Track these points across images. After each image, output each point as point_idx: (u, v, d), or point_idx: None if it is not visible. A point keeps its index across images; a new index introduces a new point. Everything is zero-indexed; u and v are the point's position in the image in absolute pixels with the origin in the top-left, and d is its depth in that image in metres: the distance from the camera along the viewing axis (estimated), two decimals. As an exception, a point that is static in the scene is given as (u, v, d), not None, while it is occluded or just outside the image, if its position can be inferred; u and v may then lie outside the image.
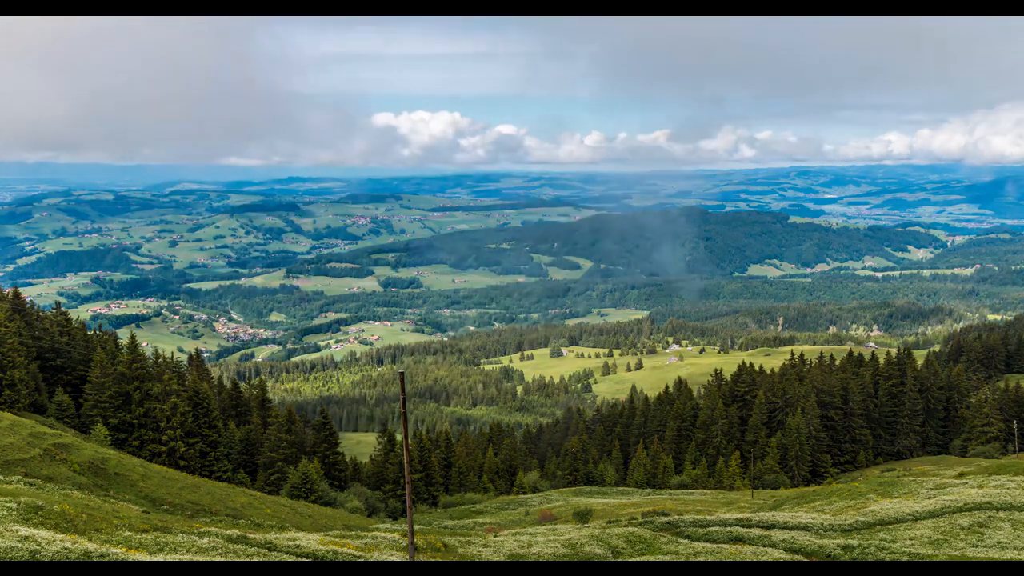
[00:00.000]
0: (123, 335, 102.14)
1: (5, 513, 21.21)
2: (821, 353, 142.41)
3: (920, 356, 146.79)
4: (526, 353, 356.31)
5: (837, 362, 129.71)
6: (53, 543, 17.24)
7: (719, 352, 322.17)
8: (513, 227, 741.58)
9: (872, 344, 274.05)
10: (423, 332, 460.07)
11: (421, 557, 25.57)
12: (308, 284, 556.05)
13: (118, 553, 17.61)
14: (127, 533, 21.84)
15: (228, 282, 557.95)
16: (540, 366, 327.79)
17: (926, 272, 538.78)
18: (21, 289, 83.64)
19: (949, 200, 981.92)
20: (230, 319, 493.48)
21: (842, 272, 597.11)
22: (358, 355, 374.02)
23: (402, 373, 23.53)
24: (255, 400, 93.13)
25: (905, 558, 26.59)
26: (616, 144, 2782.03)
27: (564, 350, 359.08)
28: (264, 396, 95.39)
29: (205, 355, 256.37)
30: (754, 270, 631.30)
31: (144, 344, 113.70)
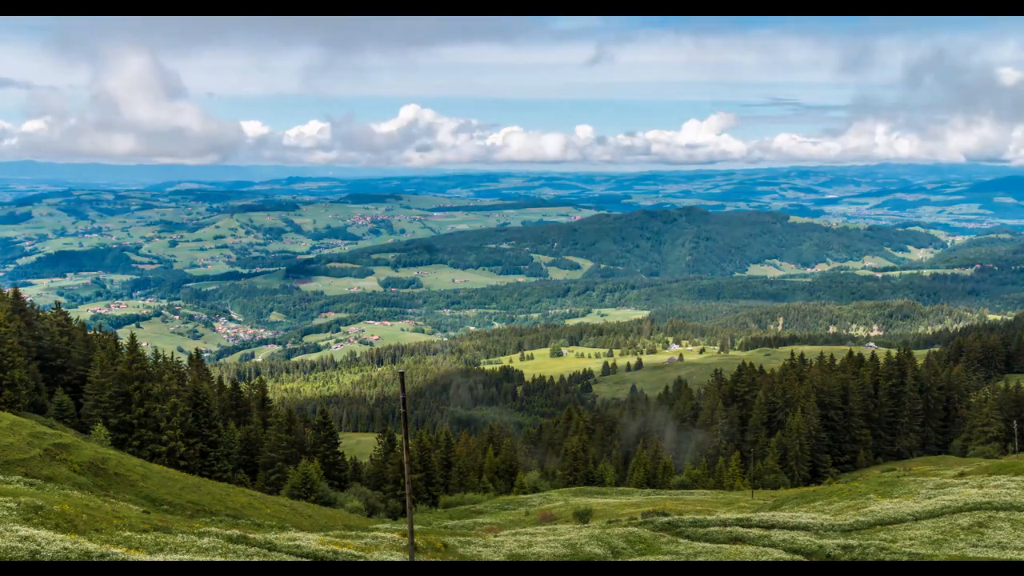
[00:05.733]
0: (123, 335, 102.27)
1: (5, 513, 21.19)
2: (821, 353, 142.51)
3: (920, 356, 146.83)
4: (526, 353, 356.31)
5: (837, 362, 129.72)
6: (53, 543, 17.23)
7: (719, 352, 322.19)
8: (513, 227, 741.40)
9: (872, 344, 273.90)
10: (423, 332, 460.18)
11: (421, 557, 25.57)
12: (308, 284, 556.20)
13: (118, 553, 17.61)
14: (127, 533, 21.84)
15: (228, 282, 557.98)
16: (540, 366, 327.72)
17: (926, 272, 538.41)
18: (21, 289, 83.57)
19: (949, 200, 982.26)
20: (230, 319, 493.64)
21: (842, 272, 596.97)
22: (358, 355, 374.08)
23: (402, 373, 23.54)
24: (255, 400, 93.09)
25: (905, 558, 26.58)
26: (616, 143, 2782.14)
27: (564, 350, 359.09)
28: (264, 396, 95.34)
29: (205, 355, 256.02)
30: (754, 270, 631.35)
31: (144, 344, 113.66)
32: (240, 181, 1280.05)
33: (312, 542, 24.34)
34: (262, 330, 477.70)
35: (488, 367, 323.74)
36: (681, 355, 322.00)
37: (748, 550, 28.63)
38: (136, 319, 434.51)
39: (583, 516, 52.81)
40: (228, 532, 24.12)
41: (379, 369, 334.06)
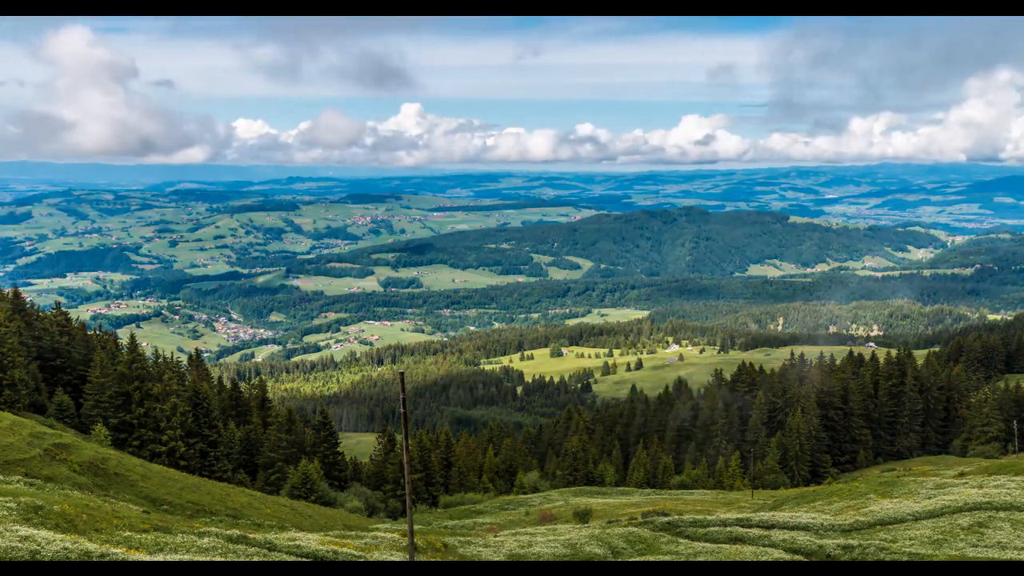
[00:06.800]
0: (123, 335, 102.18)
1: (5, 513, 21.19)
2: (821, 353, 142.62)
3: (920, 356, 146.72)
4: (526, 353, 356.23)
5: (837, 362, 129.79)
6: (53, 543, 17.22)
7: (719, 352, 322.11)
8: (513, 227, 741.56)
9: (872, 344, 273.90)
10: (423, 332, 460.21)
11: (421, 557, 25.56)
12: (308, 284, 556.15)
13: (118, 553, 17.60)
14: (127, 533, 21.83)
15: (228, 282, 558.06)
16: (540, 366, 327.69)
17: (926, 272, 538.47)
18: (21, 289, 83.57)
19: (949, 200, 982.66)
20: (230, 319, 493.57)
21: (842, 272, 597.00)
22: (358, 355, 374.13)
23: (402, 373, 23.54)
24: (255, 400, 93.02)
25: (905, 558, 26.58)
26: (617, 143, 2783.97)
27: (564, 350, 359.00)
28: (264, 396, 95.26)
29: (205, 355, 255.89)
30: (754, 270, 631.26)
31: (144, 344, 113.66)
32: (240, 181, 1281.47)
33: (312, 542, 24.33)
34: (262, 330, 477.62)
35: (488, 367, 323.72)
36: (681, 355, 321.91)
37: (748, 550, 28.63)
38: (136, 319, 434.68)
39: (583, 516, 52.78)
40: (228, 532, 24.11)
41: (379, 369, 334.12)
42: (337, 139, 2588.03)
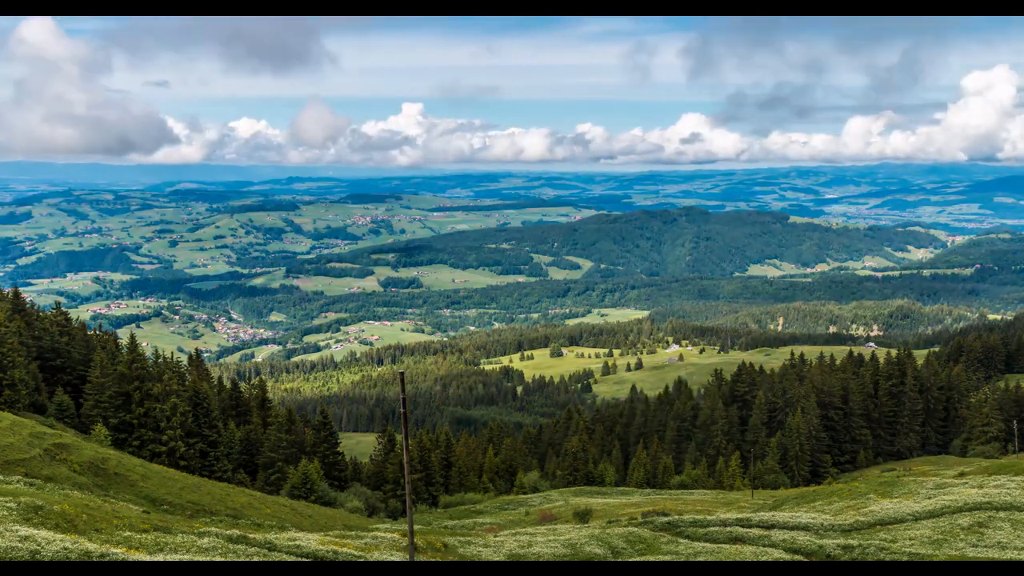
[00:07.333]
0: (123, 335, 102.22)
1: (5, 513, 21.18)
2: (821, 353, 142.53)
3: (920, 356, 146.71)
4: (526, 353, 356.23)
5: (837, 362, 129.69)
6: (53, 543, 17.22)
7: (719, 352, 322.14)
8: (513, 227, 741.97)
9: (872, 344, 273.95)
10: (423, 332, 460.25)
11: (421, 557, 25.57)
12: (308, 284, 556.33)
13: (118, 553, 17.60)
14: (127, 533, 21.83)
15: (228, 282, 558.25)
16: (540, 366, 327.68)
17: (926, 272, 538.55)
18: (21, 289, 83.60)
19: (949, 200, 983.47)
20: (230, 319, 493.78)
21: (842, 272, 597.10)
22: (358, 355, 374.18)
23: (402, 373, 23.56)
24: (255, 400, 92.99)
25: (905, 558, 26.58)
26: (617, 142, 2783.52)
27: (564, 350, 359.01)
28: (264, 396, 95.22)
29: (205, 355, 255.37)
30: (754, 270, 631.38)
31: (144, 344, 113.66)
32: (239, 181, 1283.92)
33: (312, 542, 24.33)
34: (262, 330, 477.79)
35: (488, 367, 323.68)
36: (681, 355, 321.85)
37: (748, 550, 28.63)
38: (136, 319, 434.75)
39: (583, 516, 52.78)
40: (228, 532, 24.11)
41: (379, 369, 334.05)
42: (319, 135, 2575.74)
